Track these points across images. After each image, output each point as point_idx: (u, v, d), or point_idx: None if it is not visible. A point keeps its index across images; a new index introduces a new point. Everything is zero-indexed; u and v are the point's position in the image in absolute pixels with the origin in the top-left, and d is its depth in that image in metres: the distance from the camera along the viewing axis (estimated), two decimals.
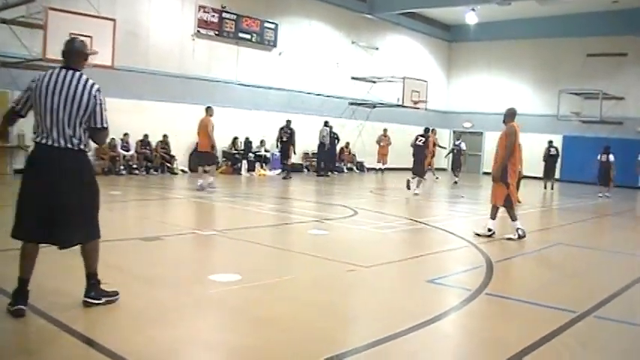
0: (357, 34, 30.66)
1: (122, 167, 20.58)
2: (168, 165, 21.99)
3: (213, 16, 23.57)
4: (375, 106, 30.82)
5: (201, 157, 17.89)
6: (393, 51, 33.01)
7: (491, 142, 34.08)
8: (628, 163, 25.33)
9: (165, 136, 21.95)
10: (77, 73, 5.56)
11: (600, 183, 23.42)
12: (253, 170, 24.41)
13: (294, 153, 24.60)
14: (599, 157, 23.74)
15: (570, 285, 8.20)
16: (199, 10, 23.06)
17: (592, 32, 30.87)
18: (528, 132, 31.97)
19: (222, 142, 23.73)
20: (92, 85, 5.57)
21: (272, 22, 25.83)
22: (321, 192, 20.23)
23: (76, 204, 5.52)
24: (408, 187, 19.85)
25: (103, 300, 5.77)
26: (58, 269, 6.71)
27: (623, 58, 30.63)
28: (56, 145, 5.38)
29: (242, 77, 24.85)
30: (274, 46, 26.08)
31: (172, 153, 22.25)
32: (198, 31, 23.11)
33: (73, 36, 5.96)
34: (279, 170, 24.96)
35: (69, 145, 5.41)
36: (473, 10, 29.84)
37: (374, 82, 30.74)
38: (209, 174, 17.45)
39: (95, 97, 5.53)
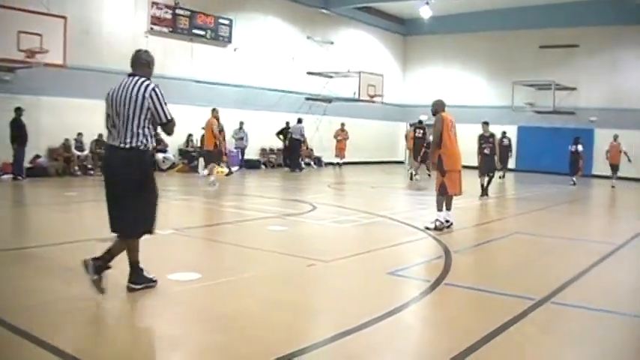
0: (312, 28, 30.63)
1: (77, 168, 20.24)
2: None
3: (167, 12, 23.32)
4: (331, 101, 30.84)
5: (206, 155, 18.98)
6: (348, 45, 33.06)
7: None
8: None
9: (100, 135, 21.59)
10: (138, 79, 6.16)
11: (570, 171, 24.25)
12: None
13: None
14: (569, 147, 24.45)
15: (528, 273, 8.30)
16: (152, 7, 22.77)
17: (544, 24, 31.33)
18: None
19: (178, 141, 23.61)
20: (147, 86, 6.09)
21: (227, 18, 25.65)
22: (280, 188, 20.19)
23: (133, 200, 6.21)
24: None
25: (143, 285, 6.30)
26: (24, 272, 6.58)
27: (575, 49, 31.15)
28: (115, 144, 6.07)
29: (197, 74, 24.63)
30: (229, 42, 25.91)
31: None
32: (151, 28, 22.82)
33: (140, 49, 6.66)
34: (237, 167, 24.91)
35: (130, 145, 6.04)
36: (427, 3, 30.03)
37: (330, 76, 30.76)
38: (207, 170, 18.43)
39: (151, 96, 6.07)
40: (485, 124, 18.23)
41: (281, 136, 27.57)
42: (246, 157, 26.14)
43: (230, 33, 25.81)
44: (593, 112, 30.63)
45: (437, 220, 11.08)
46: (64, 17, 18.32)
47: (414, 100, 36.94)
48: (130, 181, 6.09)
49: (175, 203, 14.61)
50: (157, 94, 6.10)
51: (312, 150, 30.45)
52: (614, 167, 24.79)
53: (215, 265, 7.89)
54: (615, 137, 25.16)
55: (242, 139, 25.59)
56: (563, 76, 30.60)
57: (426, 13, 31.27)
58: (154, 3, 22.78)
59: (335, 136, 29.93)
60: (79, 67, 19.87)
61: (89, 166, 20.57)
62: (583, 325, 5.95)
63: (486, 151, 17.62)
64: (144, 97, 6.04)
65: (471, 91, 34.56)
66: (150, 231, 6.40)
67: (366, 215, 13.01)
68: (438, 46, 35.99)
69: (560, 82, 30.04)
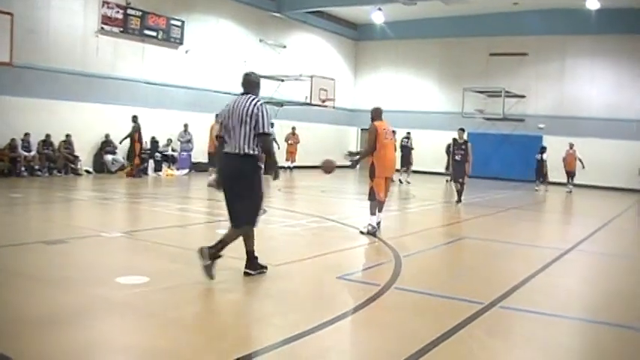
0: (264, 32, 30.56)
1: (23, 169, 19.79)
2: (72, 165, 21.32)
3: (118, 12, 22.99)
4: (283, 105, 30.80)
5: (209, 159, 19.88)
6: (300, 49, 33.08)
7: (397, 141, 34.74)
8: (529, 158, 26.37)
9: (68, 135, 21.24)
10: (250, 96, 7.24)
11: (536, 178, 25.86)
12: (160, 170, 23.97)
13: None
14: (536, 156, 25.92)
15: (477, 277, 8.39)
16: (103, 6, 22.41)
17: (495, 32, 31.83)
18: (433, 129, 32.83)
19: (127, 142, 23.30)
20: (256, 102, 7.16)
21: (178, 20, 25.42)
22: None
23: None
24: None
25: (257, 272, 7.43)
26: None
27: (525, 57, 31.69)
28: (231, 152, 7.15)
29: (148, 75, 24.35)
30: (181, 43, 25.67)
31: (76, 153, 21.56)
32: (102, 27, 22.46)
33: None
34: (187, 170, 24.76)
35: (241, 152, 7.09)
36: (379, 9, 30.24)
37: (282, 80, 30.69)
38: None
39: (258, 108, 7.09)
40: (462, 130, 18.26)
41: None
42: (195, 160, 25.90)
43: (182, 34, 25.57)
44: (542, 119, 31.20)
45: (369, 224, 11.16)
46: (10, 14, 17.95)
47: (364, 105, 37.02)
48: (243, 180, 7.17)
49: (124, 206, 14.43)
50: (263, 109, 7.13)
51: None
52: (571, 174, 25.74)
53: (163, 269, 7.79)
54: (571, 145, 26.04)
55: (188, 141, 25.38)
56: (512, 83, 31.10)
57: (378, 18, 31.48)
58: (104, 2, 22.41)
59: (286, 140, 29.88)
60: (26, 66, 19.50)
61: (36, 166, 20.14)
62: (530, 329, 6.03)
63: (457, 157, 17.66)
64: (253, 109, 7.06)
65: (421, 97, 34.88)
66: (254, 222, 7.37)
67: (316, 219, 13.01)
68: (390, 51, 36.23)
69: (509, 89, 30.51)
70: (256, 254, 7.48)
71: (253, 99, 7.18)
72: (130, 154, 22.34)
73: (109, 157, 22.65)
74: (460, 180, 17.54)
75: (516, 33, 31.28)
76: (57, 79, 20.93)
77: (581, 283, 8.67)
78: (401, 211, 16.40)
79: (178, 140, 25.14)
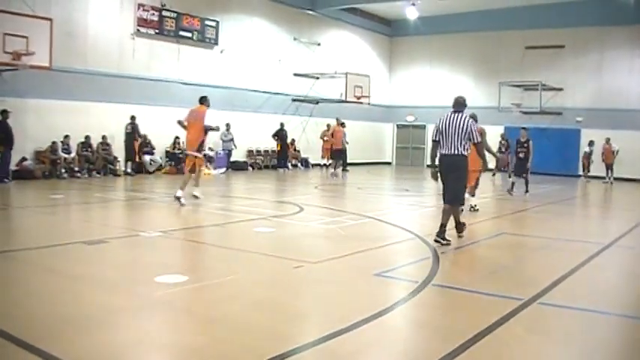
0: (298, 30, 30.62)
1: (63, 170, 20.11)
2: (111, 166, 21.58)
3: (153, 14, 23.23)
4: (318, 102, 30.84)
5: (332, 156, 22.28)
6: (334, 46, 33.07)
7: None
8: (569, 152, 26.07)
9: (104, 137, 21.49)
10: (461, 114, 9.85)
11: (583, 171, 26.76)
12: None
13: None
14: (586, 149, 26.95)
15: (515, 273, 8.32)
16: (139, 9, 22.68)
17: (530, 25, 31.43)
18: None
19: (165, 142, 23.53)
20: (467, 119, 9.79)
21: (213, 20, 25.59)
22: (267, 190, 20.15)
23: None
24: None
25: (445, 242, 9.65)
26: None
27: (561, 50, 31.28)
28: (448, 153, 9.70)
29: (183, 76, 24.55)
30: (216, 43, 25.85)
31: (115, 154, 21.82)
32: (137, 29, 22.74)
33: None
34: (224, 169, 24.91)
35: (457, 153, 9.66)
36: (413, 4, 30.08)
37: (317, 77, 30.74)
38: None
39: (469, 124, 9.70)
40: (524, 129, 19.73)
41: (276, 137, 27.57)
42: (232, 158, 26.11)
43: (216, 35, 25.75)
44: (580, 112, 30.77)
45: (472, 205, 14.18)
46: (49, 19, 18.23)
47: (400, 101, 37.01)
48: (455, 172, 9.74)
49: (162, 205, 14.56)
50: (472, 124, 9.75)
51: (299, 151, 30.44)
52: (609, 167, 25.64)
53: (201, 267, 7.86)
54: (607, 140, 25.84)
55: (231, 140, 25.56)
56: (549, 76, 30.73)
57: (412, 14, 31.33)
58: (140, 5, 22.69)
59: (321, 137, 29.84)
60: (65, 69, 19.78)
61: (76, 168, 20.44)
62: (569, 325, 5.97)
63: (521, 155, 18.80)
64: (466, 125, 9.65)
65: (457, 92, 34.40)
66: (462, 202, 10.60)
67: (353, 216, 13.01)
68: (424, 47, 36.05)
69: (546, 82, 30.16)
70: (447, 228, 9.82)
71: (465, 116, 9.82)
72: (130, 152, 22.43)
73: (146, 158, 22.88)
74: (524, 175, 18.79)
75: (552, 25, 30.87)
76: (94, 82, 21.21)
77: (622, 278, 8.55)
78: (437, 207, 16.32)
79: (221, 139, 25.26)
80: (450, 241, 9.69)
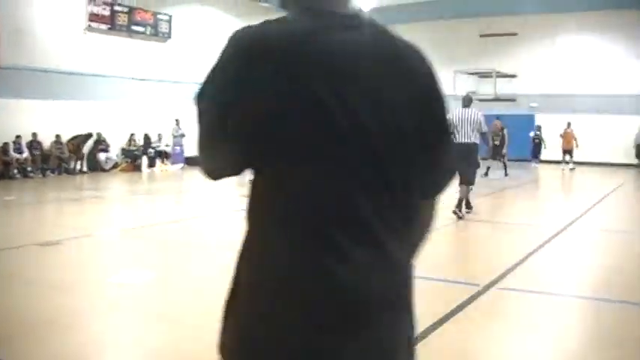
0: (253, 21, 30.25)
1: (16, 171, 19.67)
2: (65, 165, 21.22)
3: (105, 9, 22.83)
4: None
5: None
6: None
7: None
8: (523, 137, 26.38)
9: (58, 136, 21.08)
10: (472, 109, 11.41)
11: (533, 156, 27.06)
12: (154, 166, 23.90)
13: None
14: (530, 134, 27.02)
15: (474, 259, 8.40)
16: (90, 3, 22.27)
17: (484, 13, 31.70)
18: None
19: (120, 140, 23.21)
20: (477, 113, 11.29)
21: (166, 14, 25.29)
22: (223, 183, 19.98)
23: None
24: None
25: (462, 213, 11.38)
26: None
27: (515, 37, 31.60)
28: (465, 141, 10.91)
29: (137, 71, 24.19)
30: (169, 37, 25.53)
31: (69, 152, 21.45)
32: (89, 25, 22.34)
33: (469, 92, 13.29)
34: (181, 165, 24.68)
35: (470, 141, 11.02)
36: None
37: None
38: None
39: (479, 116, 11.25)
40: (498, 119, 22.15)
41: None
42: (187, 154, 25.78)
43: (169, 29, 25.44)
44: (534, 98, 31.15)
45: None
46: None
47: None
48: (469, 157, 11.02)
49: (117, 203, 14.38)
50: (482, 117, 11.32)
51: None
52: (569, 152, 25.84)
53: (159, 265, 7.76)
54: (569, 124, 26.20)
55: (182, 136, 25.15)
56: (503, 64, 31.02)
57: (366, 4, 31.34)
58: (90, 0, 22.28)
59: None
60: (12, 67, 19.34)
61: (28, 168, 20.02)
62: (527, 309, 6.03)
63: (496, 142, 20.80)
64: (476, 117, 11.18)
65: None
66: (473, 183, 11.48)
67: None
68: None
69: (500, 69, 30.46)
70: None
71: (475, 110, 11.41)
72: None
73: (102, 156, 22.56)
74: (499, 158, 21.10)
75: (505, 13, 31.18)
76: (45, 79, 20.77)
77: (579, 260, 8.65)
78: None
79: (172, 135, 24.99)
80: (462, 215, 11.42)
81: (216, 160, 1.64)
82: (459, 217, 11.28)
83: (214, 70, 1.59)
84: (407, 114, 1.56)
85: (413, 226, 1.69)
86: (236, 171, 1.63)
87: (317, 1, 1.60)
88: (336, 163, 1.48)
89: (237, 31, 1.58)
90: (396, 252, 1.58)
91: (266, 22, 1.59)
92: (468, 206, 11.86)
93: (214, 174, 1.66)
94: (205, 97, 1.59)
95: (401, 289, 1.61)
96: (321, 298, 1.45)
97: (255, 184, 1.55)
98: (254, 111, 1.46)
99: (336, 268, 1.44)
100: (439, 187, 1.74)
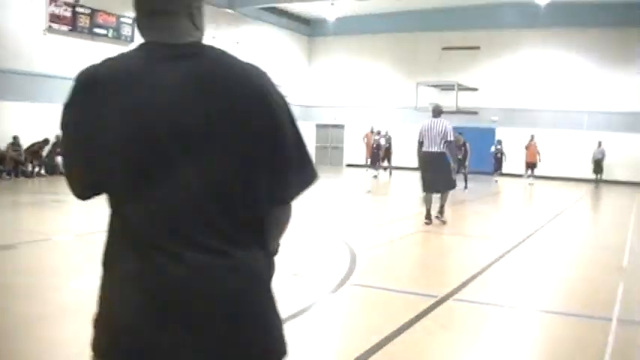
0: (217, 28, 30.30)
1: None
2: (22, 168, 20.86)
3: (66, 10, 22.56)
4: None
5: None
6: (254, 45, 32.85)
7: (351, 135, 34.89)
8: (484, 151, 26.62)
9: (15, 137, 20.71)
10: (440, 119, 11.83)
11: (494, 170, 26.74)
12: None
13: None
14: (492, 148, 26.77)
15: (431, 271, 8.43)
16: (50, 4, 21.98)
17: (447, 27, 32.06)
18: (388, 124, 32.98)
19: None
20: (445, 123, 11.74)
21: (129, 17, 25.07)
22: None
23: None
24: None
25: (443, 219, 12.22)
26: None
27: (477, 51, 32.00)
28: (431, 150, 11.59)
29: None
30: (132, 41, 25.30)
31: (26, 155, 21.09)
32: (49, 26, 22.05)
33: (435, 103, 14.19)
34: None
35: (438, 150, 11.64)
36: (332, 4, 30.22)
37: None
38: None
39: (446, 126, 11.70)
40: (460, 134, 21.19)
41: None
42: None
43: (132, 32, 25.22)
44: (495, 112, 31.56)
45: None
46: None
47: (319, 101, 37.11)
48: (440, 164, 11.61)
49: (75, 207, 14.14)
50: (448, 127, 11.73)
51: None
52: (532, 165, 25.91)
53: None
54: (532, 137, 26.39)
55: None
56: (465, 77, 31.36)
57: (331, 14, 31.47)
58: (51, 0, 21.98)
59: None
60: None
61: None
62: (481, 320, 6.08)
63: (460, 156, 19.68)
64: (442, 128, 11.64)
65: (375, 92, 34.99)
66: (454, 185, 12.50)
67: None
68: (343, 47, 36.24)
69: (462, 82, 30.78)
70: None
71: (443, 120, 11.84)
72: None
73: (60, 159, 22.21)
74: (463, 171, 20.96)
75: (468, 27, 31.59)
76: (3, 80, 20.43)
77: (536, 272, 8.75)
78: (355, 205, 16.40)
79: None
80: (445, 220, 12.27)
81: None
82: (443, 222, 12.22)
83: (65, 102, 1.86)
84: (220, 132, 1.73)
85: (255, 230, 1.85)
86: (95, 190, 2.03)
87: (148, 35, 1.83)
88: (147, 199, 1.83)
89: (82, 69, 1.88)
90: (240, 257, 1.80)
91: (107, 59, 1.83)
92: (442, 212, 12.44)
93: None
94: (62, 124, 1.85)
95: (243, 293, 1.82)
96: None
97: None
98: (83, 137, 1.75)
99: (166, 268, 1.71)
100: (280, 195, 1.89)
